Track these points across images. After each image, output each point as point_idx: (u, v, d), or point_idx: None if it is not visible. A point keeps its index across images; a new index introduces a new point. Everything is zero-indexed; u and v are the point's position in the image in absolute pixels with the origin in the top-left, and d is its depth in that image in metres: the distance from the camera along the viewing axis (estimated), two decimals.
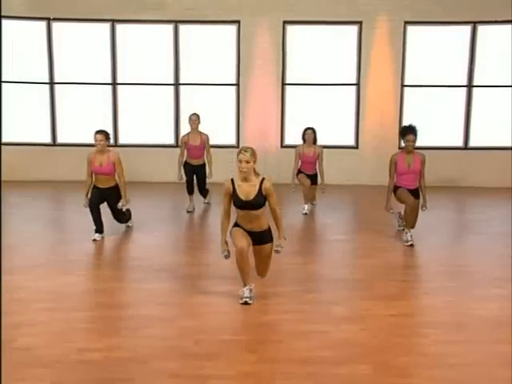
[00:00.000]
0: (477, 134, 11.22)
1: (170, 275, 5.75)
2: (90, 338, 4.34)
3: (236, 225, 5.05)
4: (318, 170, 8.67)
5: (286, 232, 7.61)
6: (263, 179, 4.90)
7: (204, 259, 6.56)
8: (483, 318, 4.72)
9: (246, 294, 4.96)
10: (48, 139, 11.45)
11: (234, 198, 4.87)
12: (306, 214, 8.58)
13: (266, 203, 4.95)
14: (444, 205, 9.45)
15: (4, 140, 10.80)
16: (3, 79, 10.87)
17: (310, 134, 8.52)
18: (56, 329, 4.45)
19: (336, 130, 11.02)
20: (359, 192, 10.72)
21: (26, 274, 5.76)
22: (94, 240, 6.98)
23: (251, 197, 4.84)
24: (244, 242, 4.87)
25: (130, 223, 7.72)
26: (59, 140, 11.42)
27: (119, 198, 7.10)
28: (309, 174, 8.62)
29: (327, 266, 6.23)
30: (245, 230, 4.96)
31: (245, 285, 5.00)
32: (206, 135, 8.69)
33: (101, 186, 7.05)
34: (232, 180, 4.94)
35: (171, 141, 11.24)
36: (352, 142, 11.39)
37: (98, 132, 7.00)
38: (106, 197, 7.09)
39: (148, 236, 7.29)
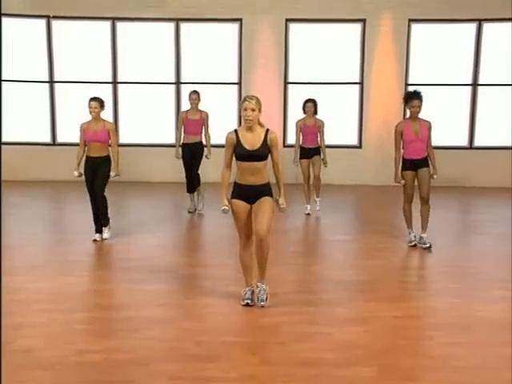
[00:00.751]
0: (482, 133, 11.21)
1: (171, 276, 5.74)
2: (89, 339, 4.34)
3: (235, 190, 4.82)
4: (320, 144, 8.59)
5: (289, 233, 7.66)
6: (268, 130, 4.80)
7: (205, 260, 6.56)
8: (487, 320, 4.71)
9: (248, 295, 4.95)
10: (48, 139, 11.48)
11: (238, 149, 4.72)
12: (308, 214, 8.59)
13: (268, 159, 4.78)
14: (448, 205, 9.43)
15: (3, 140, 10.81)
16: (2, 78, 10.88)
17: (310, 107, 8.47)
18: (56, 330, 4.44)
19: (339, 129, 11.00)
20: (362, 192, 10.71)
21: (25, 274, 5.75)
22: (94, 240, 6.97)
23: (256, 146, 4.70)
24: (248, 233, 4.82)
25: (106, 233, 7.08)
26: (59, 139, 11.45)
27: (109, 170, 6.91)
28: (311, 147, 8.52)
29: (330, 267, 6.22)
30: (245, 186, 4.75)
31: (247, 285, 4.99)
32: (206, 113, 8.55)
33: (93, 155, 6.85)
34: (236, 131, 4.82)
35: (172, 140, 11.19)
36: (355, 142, 11.39)
37: (92, 99, 6.84)
38: (97, 168, 6.83)
39: (148, 236, 7.28)
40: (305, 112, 8.54)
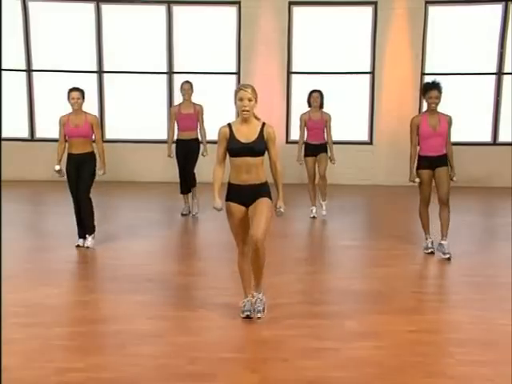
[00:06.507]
0: (507, 127, 11.21)
1: (162, 286, 5.74)
2: (71, 356, 4.33)
3: (229, 191, 4.82)
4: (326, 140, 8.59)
5: (292, 238, 7.67)
6: (264, 123, 4.83)
7: (200, 268, 6.56)
8: None
9: (248, 306, 4.94)
10: (25, 134, 11.48)
11: (232, 143, 4.74)
12: (314, 217, 8.60)
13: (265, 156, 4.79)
14: (469, 207, 9.44)
15: None
16: None
17: (316, 98, 8.49)
18: (34, 347, 4.44)
19: (348, 123, 11.02)
20: (374, 193, 10.72)
21: None
22: (78, 246, 6.98)
23: (251, 139, 4.73)
24: (246, 239, 4.82)
25: (89, 241, 6.97)
26: (38, 135, 11.46)
27: (95, 167, 6.91)
28: (317, 143, 8.53)
29: (338, 276, 6.22)
30: (241, 186, 4.76)
31: (246, 296, 4.99)
32: (201, 106, 8.59)
33: (75, 152, 6.83)
34: (229, 124, 4.85)
35: (163, 136, 11.22)
36: (366, 138, 11.40)
37: (73, 89, 6.85)
38: (81, 166, 6.81)
39: (137, 242, 7.29)
40: (310, 105, 8.56)
